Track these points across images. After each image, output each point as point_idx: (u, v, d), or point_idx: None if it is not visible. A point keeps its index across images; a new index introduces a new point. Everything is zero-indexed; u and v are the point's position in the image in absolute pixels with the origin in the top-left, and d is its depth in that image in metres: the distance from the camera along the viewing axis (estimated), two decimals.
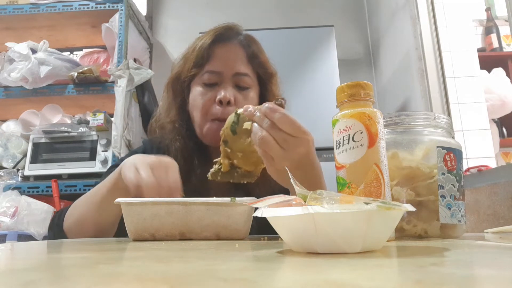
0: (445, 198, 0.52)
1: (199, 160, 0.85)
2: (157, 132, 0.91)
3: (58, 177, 1.87)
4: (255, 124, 0.58)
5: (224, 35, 0.88)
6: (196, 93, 0.86)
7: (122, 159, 0.91)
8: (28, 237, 1.65)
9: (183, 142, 0.85)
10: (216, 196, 0.59)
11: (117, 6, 2.07)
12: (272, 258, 0.32)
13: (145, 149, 0.91)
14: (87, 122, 2.01)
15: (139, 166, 0.63)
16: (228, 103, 0.82)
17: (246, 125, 0.59)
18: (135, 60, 2.05)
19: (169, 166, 0.65)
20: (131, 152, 0.97)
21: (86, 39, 2.38)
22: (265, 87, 0.90)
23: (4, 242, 1.53)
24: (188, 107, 0.89)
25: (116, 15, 2.05)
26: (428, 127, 0.56)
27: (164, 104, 0.92)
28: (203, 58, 0.85)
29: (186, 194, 0.76)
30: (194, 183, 0.81)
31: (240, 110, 0.61)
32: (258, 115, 0.58)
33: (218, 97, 0.82)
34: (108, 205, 0.70)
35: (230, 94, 0.82)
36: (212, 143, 0.84)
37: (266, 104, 0.57)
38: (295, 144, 0.57)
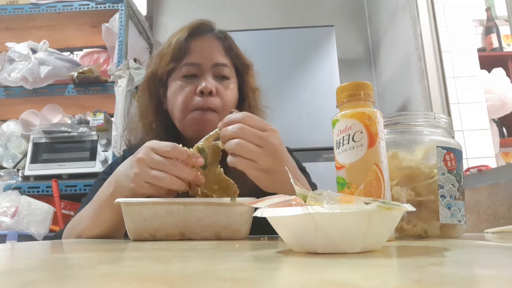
0: (445, 198, 0.52)
1: None
2: (134, 133, 0.89)
3: (58, 177, 1.87)
4: (228, 141, 0.59)
5: (200, 29, 0.87)
6: (175, 87, 0.84)
7: (106, 172, 0.85)
8: (28, 237, 1.65)
9: None
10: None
11: (117, 6, 2.07)
12: (272, 258, 0.32)
13: (125, 157, 0.88)
14: (87, 122, 2.01)
15: (134, 178, 0.59)
16: (210, 93, 0.81)
17: (220, 145, 0.60)
18: (135, 60, 2.05)
19: (149, 146, 0.60)
20: (111, 164, 0.93)
21: (86, 39, 2.38)
22: (242, 79, 0.90)
23: (4, 242, 1.53)
24: (165, 106, 0.87)
25: (116, 15, 2.06)
26: (428, 127, 0.56)
27: (141, 105, 0.89)
28: (181, 51, 0.84)
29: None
30: None
31: (200, 143, 0.60)
32: (226, 128, 0.58)
33: (199, 88, 0.80)
34: (106, 220, 0.66)
35: (211, 85, 0.81)
36: (194, 134, 0.81)
37: (228, 116, 0.59)
38: (268, 137, 0.59)
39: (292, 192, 0.41)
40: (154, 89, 0.88)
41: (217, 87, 0.82)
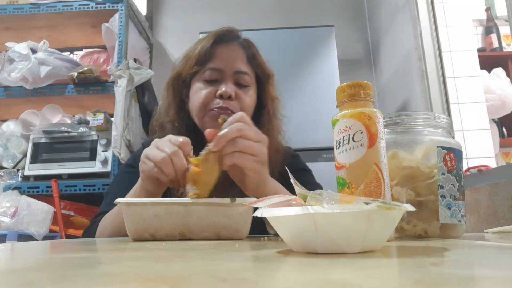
0: (445, 198, 0.52)
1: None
2: (157, 131, 0.93)
3: (58, 177, 1.87)
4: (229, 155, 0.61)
5: (225, 36, 0.91)
6: (197, 88, 0.88)
7: (129, 164, 0.92)
8: (28, 237, 1.65)
9: None
10: (216, 189, 0.60)
11: (117, 6, 2.07)
12: (272, 258, 0.32)
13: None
14: (87, 122, 2.01)
15: (143, 154, 0.66)
16: (229, 97, 0.85)
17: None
18: (135, 60, 2.05)
19: (168, 138, 0.66)
20: (134, 155, 0.97)
21: (86, 39, 2.38)
22: (263, 87, 0.93)
23: (4, 242, 1.53)
24: (187, 107, 0.91)
25: (116, 15, 2.06)
26: (428, 127, 0.56)
27: (164, 103, 0.94)
28: (205, 56, 0.88)
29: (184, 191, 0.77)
30: None
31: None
32: (228, 130, 0.62)
33: (219, 92, 0.85)
34: None
35: (231, 89, 0.85)
36: None
37: (235, 126, 0.62)
38: (263, 146, 0.65)
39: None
40: (178, 89, 0.92)
41: (236, 92, 0.87)
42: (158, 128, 0.93)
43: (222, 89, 0.85)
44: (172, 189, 0.84)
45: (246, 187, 0.68)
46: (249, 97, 0.89)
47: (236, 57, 0.90)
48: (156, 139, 0.66)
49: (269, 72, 0.94)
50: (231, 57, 0.89)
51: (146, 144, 0.97)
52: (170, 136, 0.66)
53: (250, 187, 0.67)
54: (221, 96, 0.85)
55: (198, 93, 0.87)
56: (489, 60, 2.22)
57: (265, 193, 0.69)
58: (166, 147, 0.63)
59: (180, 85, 0.92)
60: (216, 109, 0.84)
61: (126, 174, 0.90)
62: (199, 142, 0.89)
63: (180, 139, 0.64)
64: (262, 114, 0.91)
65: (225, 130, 0.61)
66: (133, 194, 0.71)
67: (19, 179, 1.91)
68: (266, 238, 0.59)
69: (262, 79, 0.93)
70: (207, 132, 0.63)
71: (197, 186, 0.58)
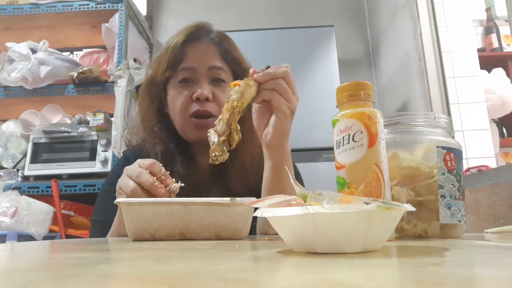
0: (445, 198, 0.52)
1: (181, 160, 0.84)
2: (135, 137, 0.90)
3: (58, 177, 1.87)
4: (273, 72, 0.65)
5: (195, 34, 0.88)
6: (173, 93, 0.86)
7: (111, 183, 0.86)
8: (28, 237, 1.65)
9: (163, 145, 0.84)
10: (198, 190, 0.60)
11: (117, 6, 2.07)
12: (272, 258, 0.32)
13: (127, 158, 0.89)
14: (87, 122, 2.01)
15: (120, 190, 0.64)
16: (206, 99, 0.82)
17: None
18: (135, 60, 2.05)
19: (137, 163, 0.65)
20: (113, 170, 0.94)
21: (86, 39, 2.38)
22: None
23: (4, 242, 1.53)
24: (166, 110, 0.89)
25: (116, 15, 2.06)
26: (428, 127, 0.56)
27: (141, 109, 0.91)
28: (176, 59, 0.85)
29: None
30: (177, 181, 0.82)
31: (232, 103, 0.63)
32: (269, 83, 0.65)
33: (195, 95, 0.82)
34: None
35: (207, 91, 0.82)
36: (194, 139, 0.84)
37: (282, 69, 0.66)
38: (296, 100, 0.69)
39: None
40: (154, 93, 0.89)
41: (213, 91, 0.84)
42: (136, 134, 0.90)
43: (198, 91, 0.82)
44: None
45: (271, 130, 0.68)
46: (227, 94, 0.87)
47: (208, 53, 0.86)
48: (127, 167, 0.64)
49: (245, 66, 0.90)
50: (203, 54, 0.86)
51: (126, 153, 0.94)
52: (139, 161, 0.64)
53: (275, 131, 0.67)
54: (197, 99, 0.82)
55: (175, 98, 0.85)
56: (489, 60, 2.22)
57: (283, 147, 0.71)
58: (134, 173, 0.62)
59: (156, 90, 0.89)
60: (194, 117, 0.82)
61: (110, 194, 0.81)
62: (181, 145, 0.87)
63: (148, 161, 0.63)
64: None
65: (272, 70, 0.65)
66: (117, 221, 0.72)
67: (19, 179, 1.91)
68: (266, 238, 0.59)
69: (239, 75, 0.88)
70: (252, 69, 0.66)
71: (229, 100, 0.62)
